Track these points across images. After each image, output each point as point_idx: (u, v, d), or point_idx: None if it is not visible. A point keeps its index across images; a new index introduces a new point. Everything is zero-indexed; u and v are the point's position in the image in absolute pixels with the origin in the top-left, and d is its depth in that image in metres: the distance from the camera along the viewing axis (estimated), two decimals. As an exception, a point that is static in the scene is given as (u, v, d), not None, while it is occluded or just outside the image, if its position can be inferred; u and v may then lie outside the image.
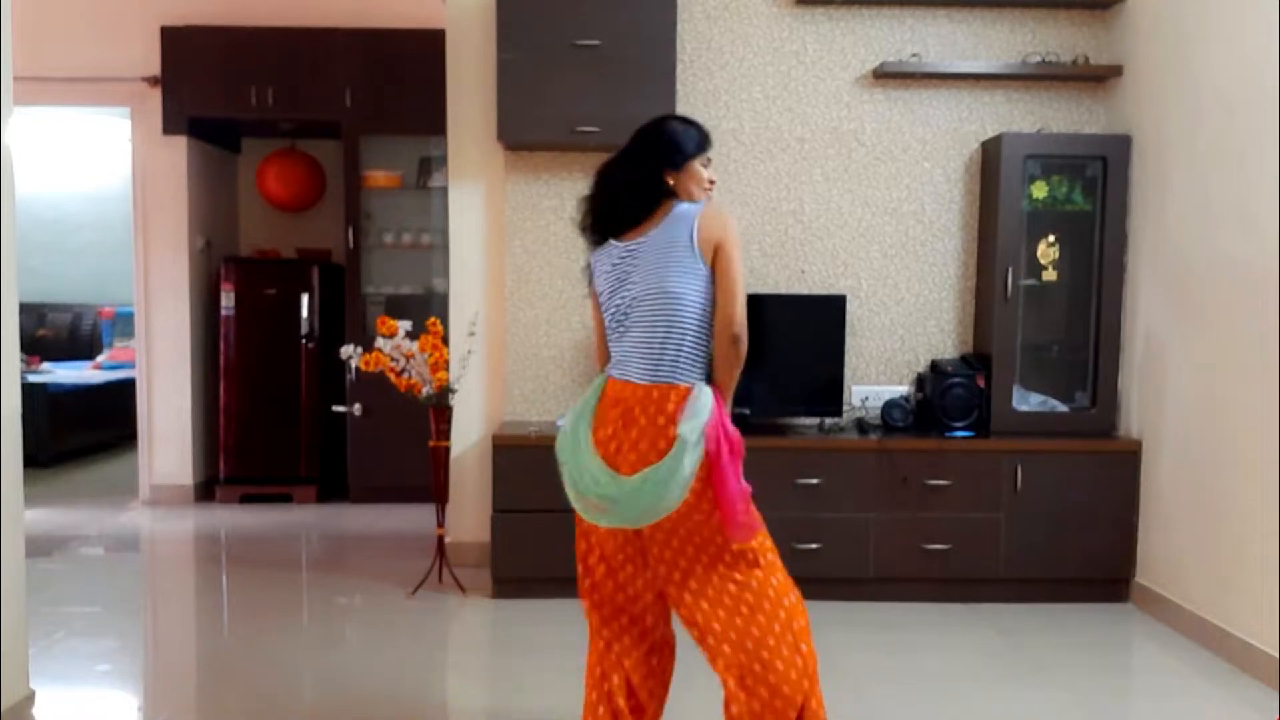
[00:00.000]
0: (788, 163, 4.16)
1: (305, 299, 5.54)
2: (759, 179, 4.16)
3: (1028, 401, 4.00)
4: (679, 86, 3.98)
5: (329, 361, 5.22)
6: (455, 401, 3.97)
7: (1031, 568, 3.82)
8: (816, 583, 3.77)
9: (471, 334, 4.11)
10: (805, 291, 4.17)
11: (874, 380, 4.20)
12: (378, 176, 5.56)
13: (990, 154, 4.05)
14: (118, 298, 7.90)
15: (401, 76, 5.27)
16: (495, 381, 4.24)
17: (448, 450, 4.00)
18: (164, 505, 5.50)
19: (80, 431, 6.91)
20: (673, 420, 2.14)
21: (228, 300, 5.51)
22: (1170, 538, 3.65)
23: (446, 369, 3.85)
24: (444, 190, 4.84)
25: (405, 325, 3.78)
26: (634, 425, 2.17)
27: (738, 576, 2.18)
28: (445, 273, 4.38)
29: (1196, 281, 3.51)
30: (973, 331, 4.20)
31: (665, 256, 2.20)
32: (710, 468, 2.11)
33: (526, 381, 4.21)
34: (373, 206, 5.65)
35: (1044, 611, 3.75)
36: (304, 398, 5.55)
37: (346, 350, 3.90)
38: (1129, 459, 3.84)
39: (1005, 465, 3.79)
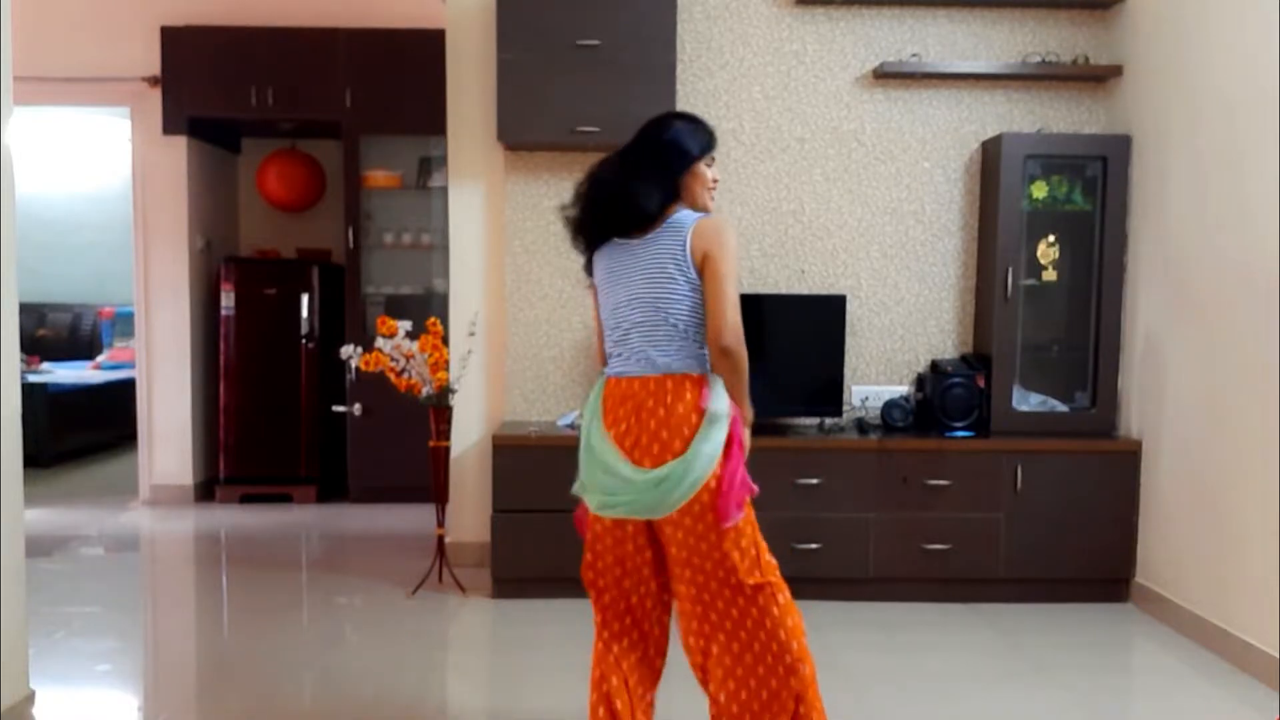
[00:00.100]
0: (788, 163, 4.16)
1: (305, 299, 5.54)
2: (759, 179, 4.16)
3: (1028, 401, 4.00)
4: (679, 86, 3.98)
5: (329, 361, 5.22)
6: (455, 401, 3.97)
7: (1031, 568, 3.82)
8: (816, 583, 3.78)
9: (471, 334, 4.11)
10: (805, 291, 4.17)
11: (874, 380, 4.20)
12: (378, 176, 5.56)
13: (990, 154, 4.05)
14: (118, 298, 7.90)
15: (401, 76, 5.27)
16: (495, 381, 4.24)
17: (448, 450, 4.00)
18: (164, 505, 5.50)
19: (80, 431, 6.91)
20: (694, 407, 2.17)
21: (228, 300, 5.51)
22: (1170, 538, 3.66)
23: (446, 369, 3.85)
24: (444, 190, 4.85)
25: (405, 325, 3.78)
26: (652, 416, 2.18)
27: (740, 604, 2.20)
28: (445, 273, 4.38)
29: (1196, 281, 3.51)
30: (973, 331, 4.20)
31: (658, 262, 2.22)
32: (724, 450, 2.15)
33: (526, 381, 4.21)
34: (373, 206, 5.65)
35: (1044, 611, 3.75)
36: (304, 398, 5.55)
37: (346, 350, 3.89)
38: (1129, 459, 3.84)
39: (1005, 465, 3.79)
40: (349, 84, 5.33)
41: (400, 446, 5.15)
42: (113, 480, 6.28)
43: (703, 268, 2.18)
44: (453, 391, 3.90)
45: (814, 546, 3.77)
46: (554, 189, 4.15)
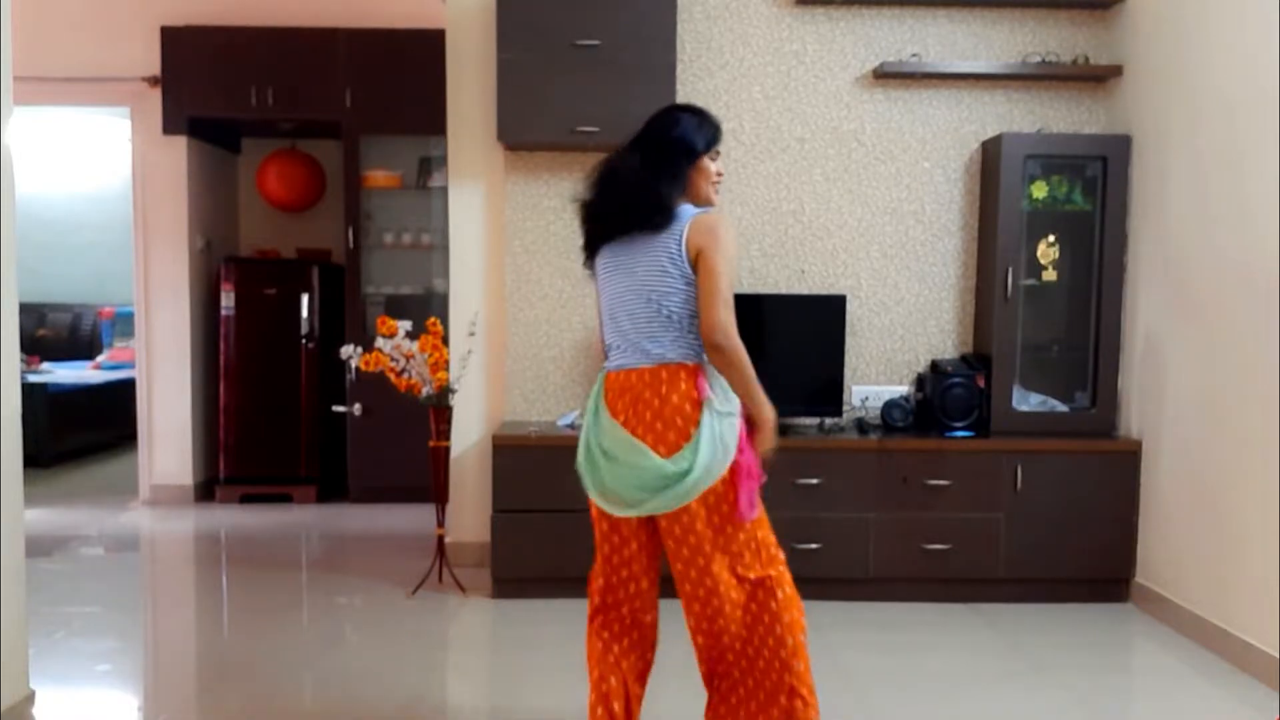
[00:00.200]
0: (788, 163, 4.16)
1: (305, 299, 5.54)
2: (759, 179, 4.16)
3: (1028, 401, 4.00)
4: (679, 86, 3.98)
5: (329, 361, 5.22)
6: (455, 401, 3.97)
7: (1031, 568, 3.82)
8: (816, 583, 3.77)
9: (471, 334, 4.12)
10: (805, 291, 4.17)
11: (874, 380, 4.20)
12: (378, 176, 5.56)
13: (990, 154, 4.05)
14: (118, 298, 7.90)
15: (401, 76, 5.27)
16: (495, 381, 4.24)
17: (448, 450, 4.00)
18: (164, 505, 5.50)
19: (80, 431, 6.91)
20: (687, 397, 2.17)
21: (228, 300, 5.51)
22: (1170, 538, 3.66)
23: (446, 369, 3.85)
24: (444, 190, 4.84)
25: (405, 325, 3.78)
26: (648, 407, 2.20)
27: (741, 589, 2.22)
28: (445, 273, 4.38)
29: (1196, 281, 3.51)
30: (973, 331, 4.20)
31: (653, 256, 2.22)
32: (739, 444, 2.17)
33: (526, 381, 4.21)
34: (373, 206, 5.65)
35: (1044, 611, 3.75)
36: (304, 398, 5.55)
37: (346, 350, 3.89)
38: (1129, 459, 3.84)
39: (1005, 465, 3.79)
40: (349, 84, 5.33)
41: (400, 446, 5.15)
42: (113, 480, 6.28)
43: (696, 263, 2.18)
44: (453, 391, 3.90)
45: (814, 546, 3.77)
46: (554, 189, 4.15)
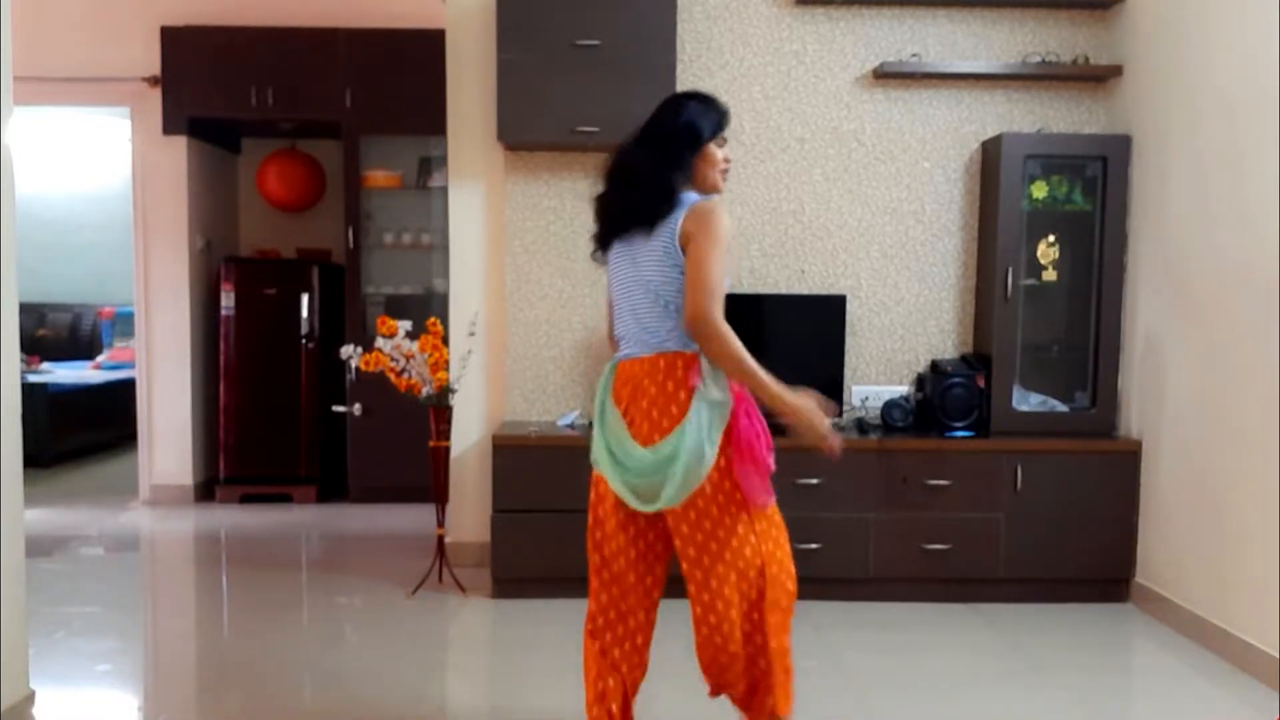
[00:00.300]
0: (788, 163, 4.16)
1: (305, 299, 5.54)
2: (759, 179, 4.16)
3: (1028, 401, 4.00)
4: (679, 87, 3.97)
5: (329, 361, 5.22)
6: (455, 401, 3.97)
7: (1031, 568, 3.82)
8: (816, 583, 3.77)
9: (471, 334, 4.11)
10: (805, 291, 4.17)
11: (874, 380, 4.20)
12: (378, 176, 5.56)
13: (990, 154, 4.05)
14: (118, 298, 7.90)
15: (401, 76, 5.27)
16: (495, 381, 4.24)
17: (448, 450, 4.00)
18: (164, 505, 5.50)
19: (80, 431, 6.91)
20: (683, 385, 2.17)
21: (228, 300, 5.51)
22: (1170, 538, 3.65)
23: (446, 369, 3.85)
24: (444, 190, 4.84)
25: (405, 325, 3.78)
26: (644, 395, 2.21)
27: (726, 525, 2.23)
28: (445, 273, 4.38)
29: (1196, 281, 3.51)
30: (973, 331, 4.20)
31: (652, 246, 2.23)
32: (730, 427, 2.17)
33: (526, 381, 4.21)
34: (373, 206, 5.65)
35: (1044, 611, 3.75)
36: (304, 398, 5.55)
37: (346, 350, 3.89)
38: (1129, 459, 3.84)
39: (1005, 465, 3.79)
40: (349, 84, 5.33)
41: (400, 446, 5.15)
42: (113, 480, 6.28)
43: (686, 250, 2.18)
44: (453, 391, 3.90)
45: (814, 546, 3.76)
46: (554, 189, 4.15)
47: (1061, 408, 4.00)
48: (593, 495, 2.40)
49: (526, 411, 4.21)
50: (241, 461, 5.56)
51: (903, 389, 4.14)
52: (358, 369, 3.85)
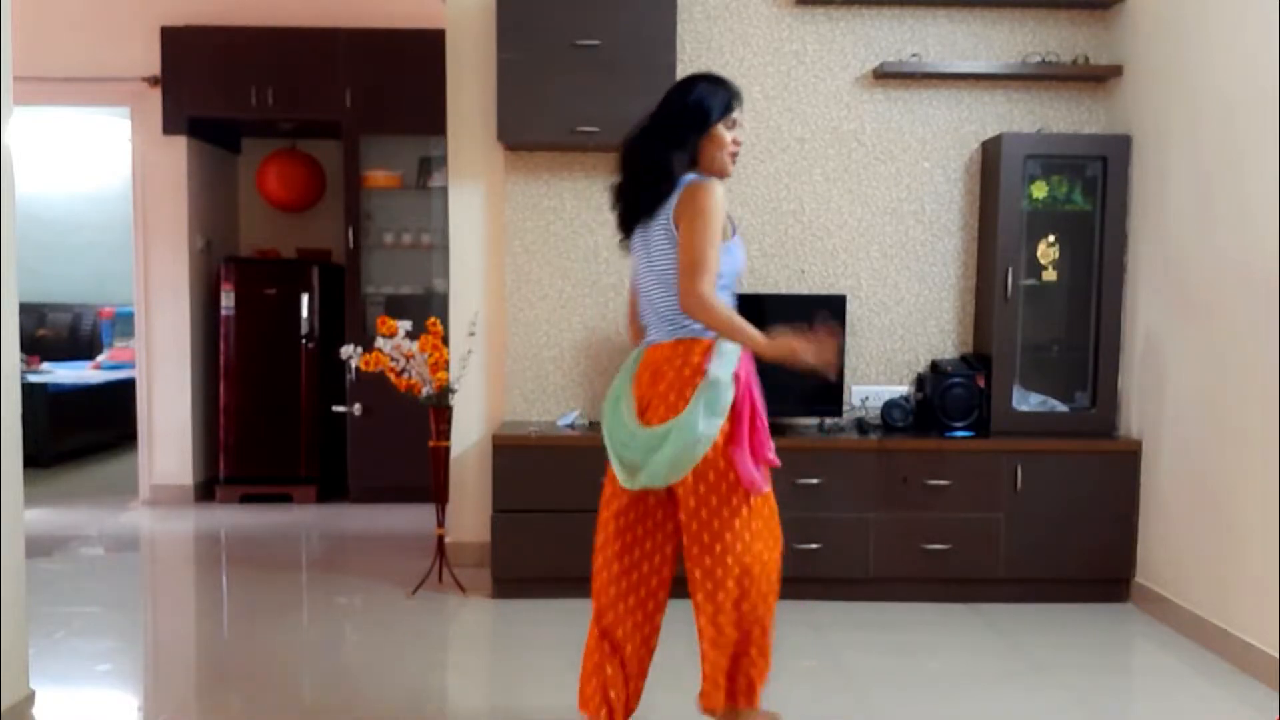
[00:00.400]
0: (788, 163, 4.16)
1: (305, 299, 5.54)
2: (759, 179, 4.16)
3: (1028, 401, 4.00)
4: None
5: (329, 361, 5.22)
6: (455, 401, 3.97)
7: (1031, 568, 3.82)
8: (816, 583, 3.78)
9: (471, 334, 4.11)
10: (805, 291, 4.17)
11: (874, 380, 4.20)
12: (378, 176, 5.56)
13: (990, 154, 4.05)
14: (118, 298, 7.90)
15: (401, 76, 5.27)
16: (495, 381, 4.24)
17: (448, 450, 4.00)
18: (164, 505, 5.50)
19: (80, 431, 6.91)
20: (699, 371, 2.21)
21: (228, 300, 5.51)
22: (1170, 538, 3.65)
23: (446, 369, 3.85)
24: (444, 190, 4.84)
25: (405, 325, 3.78)
26: (662, 380, 2.24)
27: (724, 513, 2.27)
28: (445, 273, 4.38)
29: (1196, 281, 3.51)
30: (973, 331, 4.20)
31: (656, 230, 2.27)
32: (731, 417, 2.20)
33: (526, 381, 4.21)
34: (373, 206, 5.65)
35: (1044, 611, 3.75)
36: (304, 398, 5.56)
37: (346, 350, 3.90)
38: (1129, 459, 3.84)
39: (1005, 465, 3.79)
40: (349, 84, 5.33)
41: (400, 446, 5.15)
42: (113, 480, 6.28)
43: (679, 229, 2.20)
44: (453, 391, 3.90)
45: (814, 546, 3.77)
46: (554, 189, 4.15)
47: (1061, 408, 4.00)
48: (611, 488, 2.40)
49: (526, 411, 4.21)
50: (241, 461, 5.56)
51: (903, 389, 4.14)
52: (358, 369, 3.85)
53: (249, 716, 2.85)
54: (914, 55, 4.10)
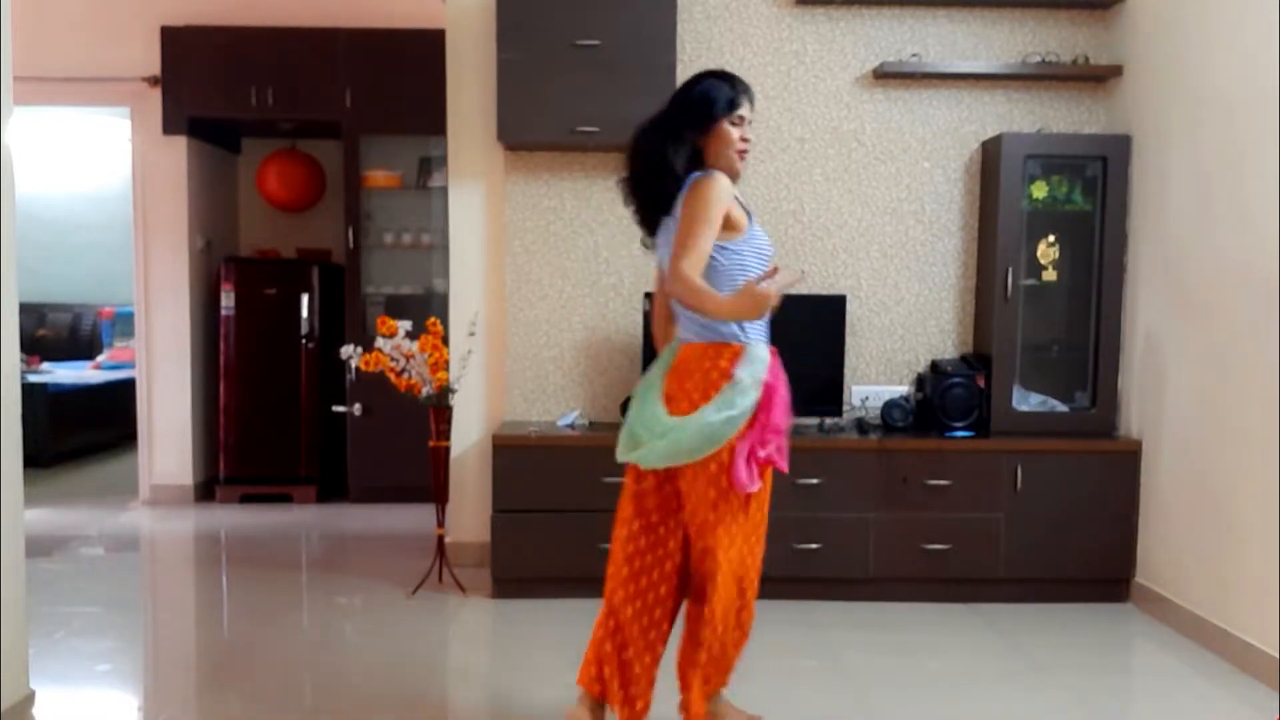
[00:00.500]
0: (788, 163, 4.16)
1: (305, 299, 5.54)
2: (759, 179, 4.15)
3: (1028, 401, 4.00)
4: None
5: (329, 361, 5.22)
6: (455, 401, 3.97)
7: (1031, 568, 3.82)
8: (816, 583, 3.78)
9: (471, 334, 4.11)
10: (805, 291, 4.16)
11: (874, 380, 4.20)
12: (378, 176, 5.56)
13: (990, 154, 4.05)
14: (118, 298, 7.90)
15: (401, 76, 5.27)
16: (495, 381, 4.24)
17: (448, 450, 4.00)
18: (164, 505, 5.50)
19: (80, 431, 6.91)
20: (725, 374, 2.25)
21: (228, 300, 5.51)
22: (1170, 538, 3.65)
23: (446, 369, 3.85)
24: (444, 190, 4.84)
25: (405, 325, 3.78)
26: (689, 379, 2.28)
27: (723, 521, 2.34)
28: (445, 273, 4.38)
29: (1196, 281, 3.51)
30: (973, 331, 4.20)
31: (668, 229, 2.30)
32: (751, 419, 2.25)
33: (526, 381, 4.21)
34: (373, 206, 5.65)
35: (1044, 611, 3.75)
36: (304, 398, 5.56)
37: (346, 350, 3.89)
38: (1129, 459, 3.84)
39: (1005, 465, 3.79)
40: (349, 84, 5.33)
41: (400, 446, 5.15)
42: (113, 480, 6.28)
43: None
44: (453, 391, 3.90)
45: (814, 546, 3.77)
46: (554, 189, 4.15)
47: (1061, 408, 4.00)
48: (634, 472, 2.44)
49: (526, 411, 4.21)
50: (241, 461, 5.56)
51: (903, 389, 4.14)
52: (358, 369, 3.85)
53: (249, 716, 2.85)
54: (914, 55, 4.10)
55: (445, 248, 4.35)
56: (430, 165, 5.61)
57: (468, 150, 4.18)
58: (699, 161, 2.32)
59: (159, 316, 5.54)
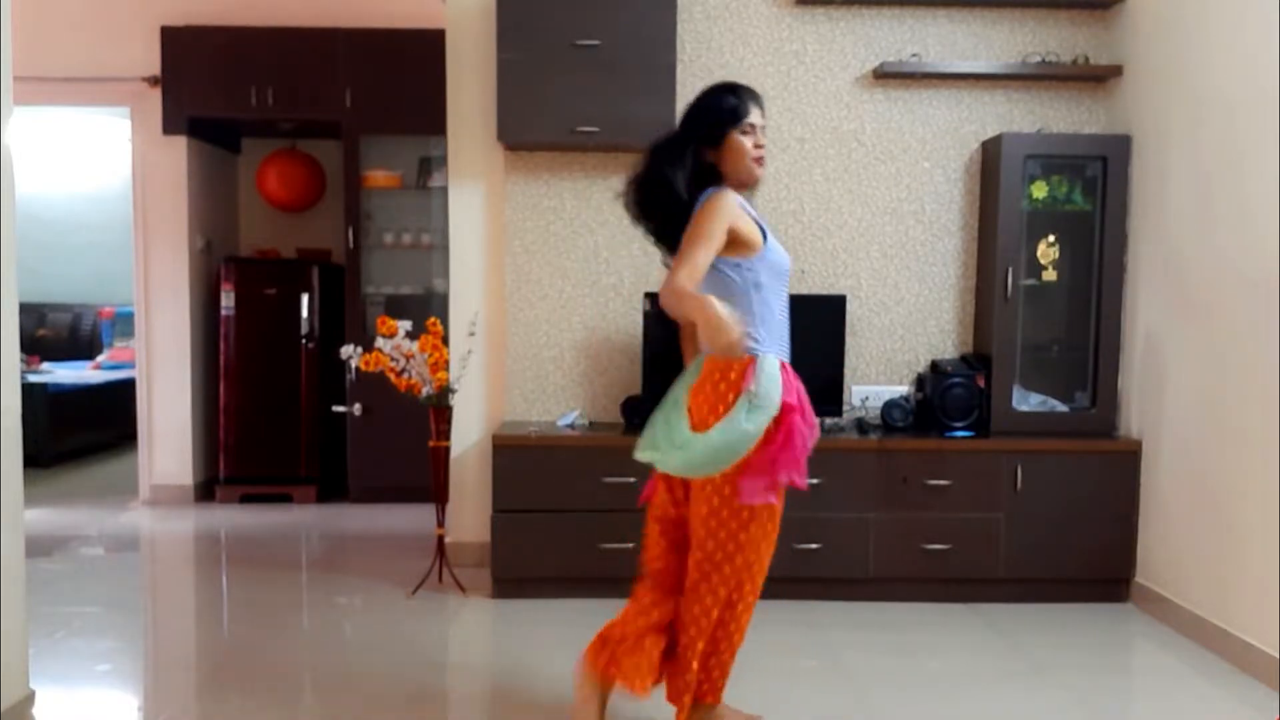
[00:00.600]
0: (788, 163, 4.16)
1: (305, 299, 5.54)
2: (759, 179, 4.15)
3: (1028, 401, 4.00)
4: (679, 86, 3.96)
5: (329, 361, 5.22)
6: (455, 401, 3.97)
7: (1031, 568, 3.82)
8: (816, 583, 3.78)
9: (471, 334, 4.12)
10: (805, 291, 4.16)
11: (874, 380, 4.20)
12: (378, 176, 5.56)
13: (990, 154, 4.05)
14: (118, 298, 7.90)
15: (401, 76, 5.27)
16: (495, 381, 4.24)
17: (448, 450, 4.00)
18: (164, 505, 5.51)
19: (80, 431, 6.91)
20: (734, 387, 2.26)
21: (228, 300, 5.51)
22: (1170, 538, 3.66)
23: (446, 369, 3.85)
24: (444, 190, 4.85)
25: (405, 325, 3.78)
26: (701, 391, 2.31)
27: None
28: (445, 273, 4.38)
29: (1196, 281, 3.51)
30: (973, 331, 4.20)
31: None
32: (768, 434, 2.26)
33: (526, 381, 4.21)
34: (373, 206, 5.65)
35: (1044, 611, 3.75)
36: (304, 398, 5.56)
37: (346, 350, 3.89)
38: (1129, 459, 3.84)
39: (1005, 465, 3.79)
40: (349, 84, 5.33)
41: (400, 446, 5.15)
42: (113, 480, 6.28)
43: None
44: (453, 391, 3.90)
45: (814, 546, 3.77)
46: (554, 189, 4.15)
47: (1061, 408, 4.00)
48: (657, 491, 2.51)
49: (526, 411, 4.21)
50: (241, 461, 5.56)
51: (903, 389, 4.14)
52: (358, 369, 3.85)
53: (249, 716, 2.84)
54: (914, 55, 4.10)
55: (445, 248, 4.35)
56: (430, 165, 5.61)
57: (468, 150, 4.18)
58: (715, 175, 2.34)
59: (159, 316, 5.54)
